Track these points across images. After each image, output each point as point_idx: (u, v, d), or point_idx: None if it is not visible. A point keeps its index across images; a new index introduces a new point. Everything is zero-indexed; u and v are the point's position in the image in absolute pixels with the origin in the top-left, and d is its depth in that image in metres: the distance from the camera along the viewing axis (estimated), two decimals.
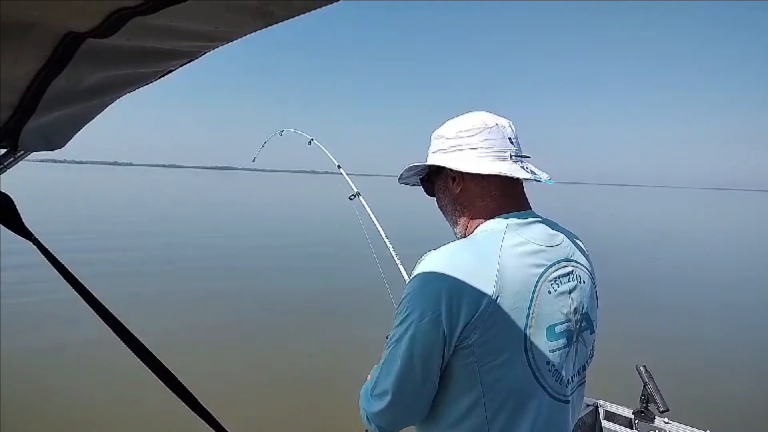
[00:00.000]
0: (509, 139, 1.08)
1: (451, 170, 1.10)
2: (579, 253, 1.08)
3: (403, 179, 1.27)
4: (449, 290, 0.90)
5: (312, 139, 2.57)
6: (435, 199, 1.22)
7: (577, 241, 1.11)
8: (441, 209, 1.19)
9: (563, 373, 0.97)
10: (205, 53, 0.54)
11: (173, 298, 8.41)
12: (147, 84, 0.59)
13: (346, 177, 2.35)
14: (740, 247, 19.83)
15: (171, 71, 0.58)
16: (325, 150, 2.53)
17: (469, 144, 1.07)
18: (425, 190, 1.24)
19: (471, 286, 0.90)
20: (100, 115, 0.65)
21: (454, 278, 0.91)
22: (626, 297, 9.42)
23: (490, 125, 1.07)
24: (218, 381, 5.04)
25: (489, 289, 0.89)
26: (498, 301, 0.89)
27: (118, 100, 0.61)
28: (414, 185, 1.30)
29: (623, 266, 12.75)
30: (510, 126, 1.10)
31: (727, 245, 20.22)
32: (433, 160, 1.13)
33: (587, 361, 1.07)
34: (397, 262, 1.71)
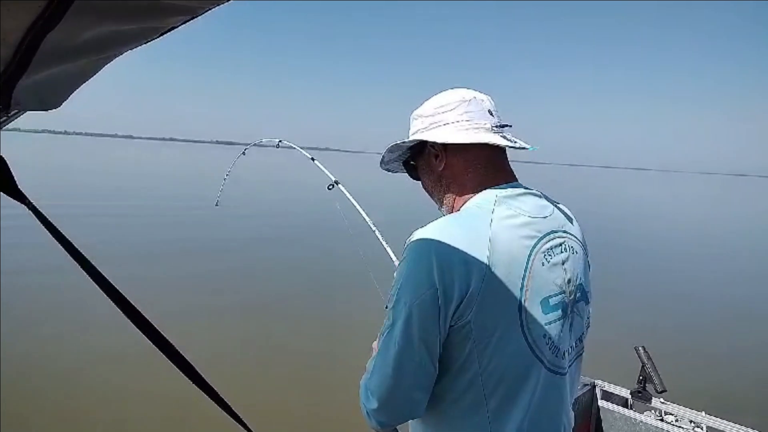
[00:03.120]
0: (489, 111, 1.07)
1: (433, 147, 1.09)
2: (569, 223, 1.07)
3: (385, 164, 1.25)
4: (441, 266, 0.88)
5: (279, 141, 2.49)
6: (420, 183, 1.20)
7: (567, 211, 1.10)
8: (426, 190, 1.18)
9: (560, 345, 0.97)
10: (209, 9, 0.51)
11: (162, 277, 8.36)
12: (147, 42, 0.56)
13: (322, 168, 2.27)
14: (752, 235, 19.80)
15: (173, 28, 0.55)
16: (297, 147, 2.45)
17: (447, 119, 1.06)
18: (409, 174, 1.22)
19: (462, 262, 0.88)
20: (95, 76, 0.63)
21: (444, 254, 0.89)
22: (629, 280, 9.48)
23: (468, 98, 1.07)
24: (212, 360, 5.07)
25: (482, 263, 0.88)
26: (491, 274, 0.88)
27: (116, 58, 0.59)
28: (396, 171, 1.28)
29: (630, 250, 12.79)
30: (489, 100, 1.09)
31: (740, 232, 20.21)
32: (413, 137, 1.12)
33: (584, 333, 1.07)
34: (386, 248, 1.66)
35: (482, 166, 1.06)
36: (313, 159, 2.37)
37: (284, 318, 6.49)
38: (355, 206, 2.00)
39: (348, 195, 2.06)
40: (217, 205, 2.96)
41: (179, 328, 5.23)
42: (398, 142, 1.15)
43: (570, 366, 1.02)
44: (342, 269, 8.29)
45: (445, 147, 1.08)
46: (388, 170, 1.28)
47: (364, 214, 1.96)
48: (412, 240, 0.96)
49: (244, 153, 2.79)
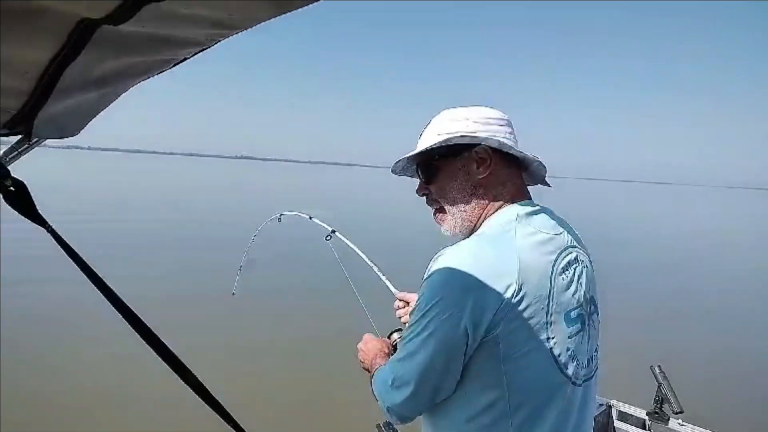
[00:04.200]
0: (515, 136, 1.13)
1: (483, 152, 1.05)
2: (577, 237, 1.10)
3: (398, 165, 1.20)
4: (472, 287, 0.90)
5: (281, 215, 2.56)
6: (419, 187, 1.16)
7: (571, 226, 1.13)
8: (443, 193, 1.12)
9: (580, 357, 0.99)
10: (219, 41, 0.54)
11: (175, 294, 8.36)
12: (160, 72, 0.59)
13: (318, 222, 2.33)
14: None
15: (185, 59, 0.57)
16: (299, 213, 2.49)
17: (500, 132, 1.07)
18: (425, 175, 1.14)
19: (494, 281, 0.90)
20: (114, 103, 0.65)
21: (476, 274, 0.91)
22: (646, 297, 9.33)
23: (507, 120, 1.11)
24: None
25: (512, 283, 0.90)
26: (521, 292, 0.90)
27: (132, 88, 0.61)
28: (407, 175, 1.24)
29: (647, 266, 12.61)
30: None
31: (755, 248, 19.84)
32: (468, 139, 1.04)
33: (597, 344, 1.08)
34: (391, 288, 1.67)
35: (516, 183, 1.10)
36: (311, 217, 2.44)
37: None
38: (356, 251, 2.03)
39: (347, 241, 2.10)
40: (233, 294, 3.03)
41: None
42: (451, 135, 1.06)
43: (589, 379, 1.03)
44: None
45: (493, 157, 1.06)
46: (399, 175, 1.25)
47: (363, 255, 1.98)
48: (440, 258, 0.96)
49: (252, 240, 2.83)
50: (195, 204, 24.34)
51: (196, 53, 0.55)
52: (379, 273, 1.83)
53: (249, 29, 0.48)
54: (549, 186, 1.14)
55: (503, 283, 0.90)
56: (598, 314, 1.08)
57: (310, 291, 7.85)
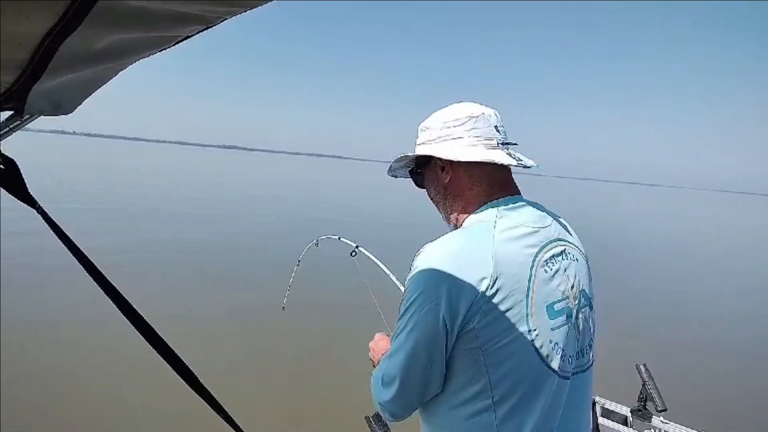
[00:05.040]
0: (495, 127, 1.10)
1: (440, 160, 1.12)
2: (567, 232, 1.10)
3: (392, 171, 1.30)
4: (447, 279, 0.92)
5: (317, 240, 2.82)
6: (426, 191, 1.24)
7: (564, 221, 1.14)
8: (432, 200, 1.22)
9: (566, 350, 0.99)
10: (225, 19, 0.52)
11: (178, 282, 8.32)
12: (162, 50, 0.56)
13: (344, 239, 2.58)
14: (755, 252, 19.71)
15: (188, 37, 0.55)
16: (335, 237, 2.74)
17: (455, 134, 1.10)
18: (415, 182, 1.27)
19: (468, 273, 0.92)
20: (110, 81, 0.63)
21: (452, 266, 0.93)
22: (633, 296, 9.44)
23: (476, 114, 1.10)
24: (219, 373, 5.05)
25: (486, 274, 0.92)
26: (496, 284, 0.91)
27: (130, 65, 0.59)
28: (403, 177, 1.32)
29: (630, 264, 12.75)
30: (495, 114, 1.12)
31: (742, 250, 20.14)
32: (422, 150, 1.15)
33: (592, 337, 1.09)
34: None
35: (486, 182, 1.09)
36: (339, 238, 2.67)
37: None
38: (379, 266, 2.20)
39: (371, 256, 2.29)
40: (283, 309, 3.34)
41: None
42: (406, 153, 1.20)
43: (581, 372, 1.04)
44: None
45: (452, 161, 1.10)
46: (395, 176, 1.32)
47: (385, 269, 2.14)
48: (420, 254, 1.00)
49: (298, 264, 3.08)
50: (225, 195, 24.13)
51: (199, 31, 0.53)
52: (396, 282, 1.97)
53: (257, 7, 0.46)
54: (528, 167, 1.11)
55: (477, 275, 0.92)
56: (591, 308, 1.08)
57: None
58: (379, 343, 1.27)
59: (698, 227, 30.98)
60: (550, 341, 0.96)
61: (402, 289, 1.87)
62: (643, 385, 2.71)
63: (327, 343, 5.91)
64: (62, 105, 0.61)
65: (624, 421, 2.80)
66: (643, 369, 2.73)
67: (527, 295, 0.94)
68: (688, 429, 2.65)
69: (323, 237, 2.81)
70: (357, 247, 2.40)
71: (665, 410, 2.60)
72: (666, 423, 2.71)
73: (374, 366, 1.22)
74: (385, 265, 2.17)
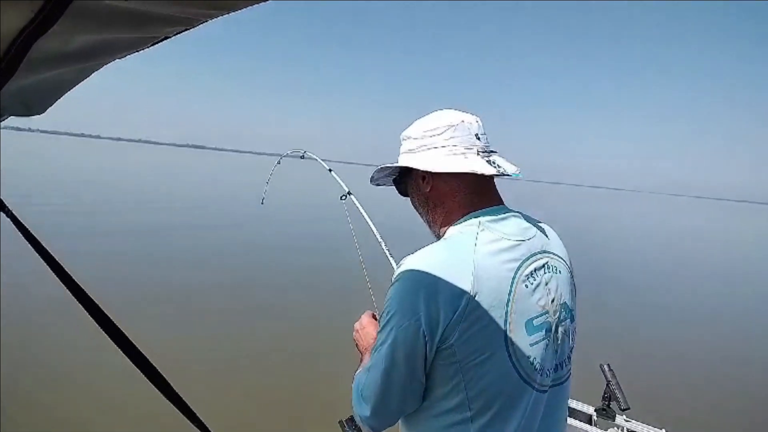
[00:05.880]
0: (476, 135, 1.10)
1: (420, 170, 1.12)
2: (552, 243, 1.10)
3: (374, 180, 1.29)
4: (426, 294, 0.92)
5: (304, 152, 2.57)
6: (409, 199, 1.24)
7: (550, 231, 1.13)
8: (415, 209, 1.22)
9: (544, 365, 0.99)
10: (204, 22, 0.51)
11: (156, 279, 8.20)
12: (138, 50, 0.56)
13: (337, 178, 2.34)
14: (725, 255, 20.45)
15: (167, 38, 0.54)
16: (317, 158, 2.52)
17: (435, 143, 1.09)
18: (398, 191, 1.27)
19: (447, 288, 0.91)
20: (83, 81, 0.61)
21: (430, 282, 0.93)
22: (602, 296, 9.64)
23: (455, 123, 1.10)
24: (196, 366, 4.96)
25: (466, 289, 0.91)
26: (475, 300, 0.91)
27: (105, 65, 0.58)
28: (387, 185, 1.31)
29: (595, 264, 13.03)
30: (477, 122, 1.12)
31: (720, 254, 20.88)
32: (402, 161, 1.16)
33: (571, 351, 1.09)
34: (392, 261, 1.71)
35: (468, 192, 1.09)
36: (330, 170, 2.46)
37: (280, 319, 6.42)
38: (364, 217, 2.04)
39: (359, 205, 2.10)
40: (262, 203, 3.19)
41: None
42: (387, 164, 1.20)
43: (559, 384, 1.04)
44: (342, 278, 8.32)
45: (432, 172, 1.10)
46: (378, 185, 1.31)
47: (372, 225, 1.99)
48: (401, 268, 0.99)
49: (279, 162, 2.92)
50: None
51: (179, 32, 0.52)
52: (384, 248, 1.85)
53: (239, 11, 0.46)
54: (508, 175, 1.09)
55: (457, 291, 0.91)
56: (572, 320, 1.07)
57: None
58: (366, 329, 1.22)
59: (661, 229, 31.95)
60: (528, 357, 0.95)
61: (387, 252, 1.84)
62: (607, 384, 2.78)
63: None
64: (34, 105, 0.59)
65: (588, 420, 2.87)
66: (606, 369, 2.80)
67: (506, 311, 0.93)
68: (651, 427, 2.73)
69: (313, 155, 2.54)
70: (349, 193, 2.20)
71: (628, 408, 2.68)
72: (629, 421, 2.79)
73: (358, 350, 1.21)
74: (373, 221, 1.99)
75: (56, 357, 5.02)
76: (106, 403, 4.24)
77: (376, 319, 1.25)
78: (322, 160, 2.54)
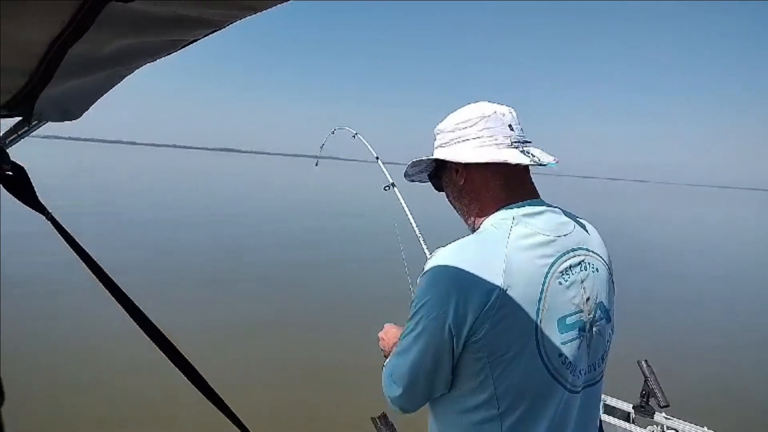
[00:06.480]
0: (509, 126, 1.07)
1: (453, 162, 1.11)
2: (592, 240, 1.07)
3: (408, 176, 1.29)
4: (456, 287, 0.91)
5: (356, 133, 2.56)
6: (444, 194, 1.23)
7: (590, 228, 1.10)
8: (450, 203, 1.20)
9: (577, 364, 0.97)
10: (233, 23, 0.51)
11: (192, 285, 8.37)
12: (170, 53, 0.56)
13: (383, 167, 2.31)
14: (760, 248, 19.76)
15: (195, 41, 0.55)
16: (366, 143, 2.49)
17: (468, 135, 1.08)
18: (434, 186, 1.25)
19: (478, 283, 0.90)
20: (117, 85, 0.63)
21: (461, 275, 0.92)
22: (637, 292, 9.42)
23: (488, 114, 1.08)
24: (232, 372, 5.03)
25: (496, 284, 0.90)
26: (506, 295, 0.90)
27: (137, 69, 0.59)
28: (422, 182, 1.30)
29: (636, 260, 12.72)
30: (510, 112, 1.10)
31: (750, 245, 20.17)
32: (435, 154, 1.15)
33: (606, 352, 1.06)
34: (428, 256, 1.71)
35: (502, 184, 1.07)
36: (377, 158, 2.44)
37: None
38: (405, 210, 2.05)
39: (401, 198, 2.10)
40: (317, 165, 3.29)
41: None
42: (420, 158, 1.19)
43: (591, 385, 1.02)
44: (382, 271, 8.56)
45: (465, 163, 1.08)
46: (413, 181, 1.31)
47: (411, 219, 2.00)
48: (432, 259, 0.98)
49: (333, 132, 2.80)
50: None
51: (207, 34, 0.53)
52: (423, 243, 1.87)
53: (266, 10, 0.46)
54: (544, 165, 1.06)
55: (487, 285, 0.90)
56: (608, 320, 1.04)
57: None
58: (389, 333, 1.25)
59: (706, 223, 30.96)
60: (560, 355, 0.94)
61: (424, 246, 1.85)
62: (645, 381, 2.72)
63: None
64: (70, 111, 0.60)
65: (626, 417, 2.81)
66: (645, 365, 2.74)
67: (538, 308, 0.92)
68: (691, 425, 2.66)
69: (362, 137, 2.51)
70: (392, 184, 2.18)
71: (667, 405, 2.61)
72: (669, 419, 2.71)
73: (385, 356, 1.22)
74: (413, 215, 1.98)
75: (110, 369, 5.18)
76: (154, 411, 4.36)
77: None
78: (372, 149, 2.50)
